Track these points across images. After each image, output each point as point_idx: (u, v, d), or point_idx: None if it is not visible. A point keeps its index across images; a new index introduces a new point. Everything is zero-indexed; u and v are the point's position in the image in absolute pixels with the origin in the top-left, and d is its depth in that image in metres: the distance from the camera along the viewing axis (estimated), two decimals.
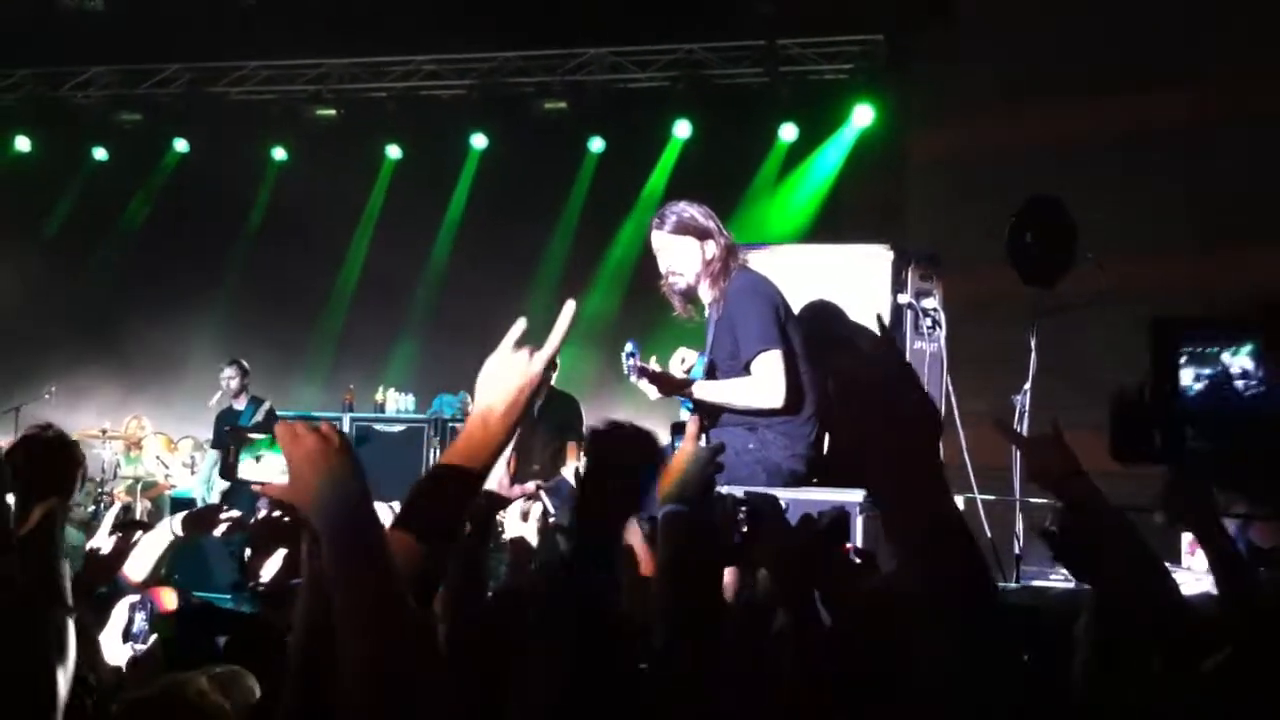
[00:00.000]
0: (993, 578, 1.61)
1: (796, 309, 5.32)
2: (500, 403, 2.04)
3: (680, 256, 5.08)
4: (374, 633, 1.75)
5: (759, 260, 6.12)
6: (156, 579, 4.07)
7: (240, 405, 10.91)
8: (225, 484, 10.31)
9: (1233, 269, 8.84)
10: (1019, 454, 2.21)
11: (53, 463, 2.39)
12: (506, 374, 2.07)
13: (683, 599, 2.40)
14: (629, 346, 4.82)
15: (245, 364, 11.00)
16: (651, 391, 4.91)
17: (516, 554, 3.57)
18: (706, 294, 5.11)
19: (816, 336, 5.21)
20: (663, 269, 5.14)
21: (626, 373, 4.81)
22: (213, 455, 11.03)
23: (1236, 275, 8.73)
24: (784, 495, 4.34)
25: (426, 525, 1.99)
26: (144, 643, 3.56)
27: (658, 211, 5.25)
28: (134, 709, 2.40)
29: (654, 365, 4.85)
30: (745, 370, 4.87)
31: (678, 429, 2.89)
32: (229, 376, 10.92)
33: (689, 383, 4.93)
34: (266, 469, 2.00)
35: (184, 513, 4.08)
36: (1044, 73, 9.96)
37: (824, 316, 5.51)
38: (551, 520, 3.38)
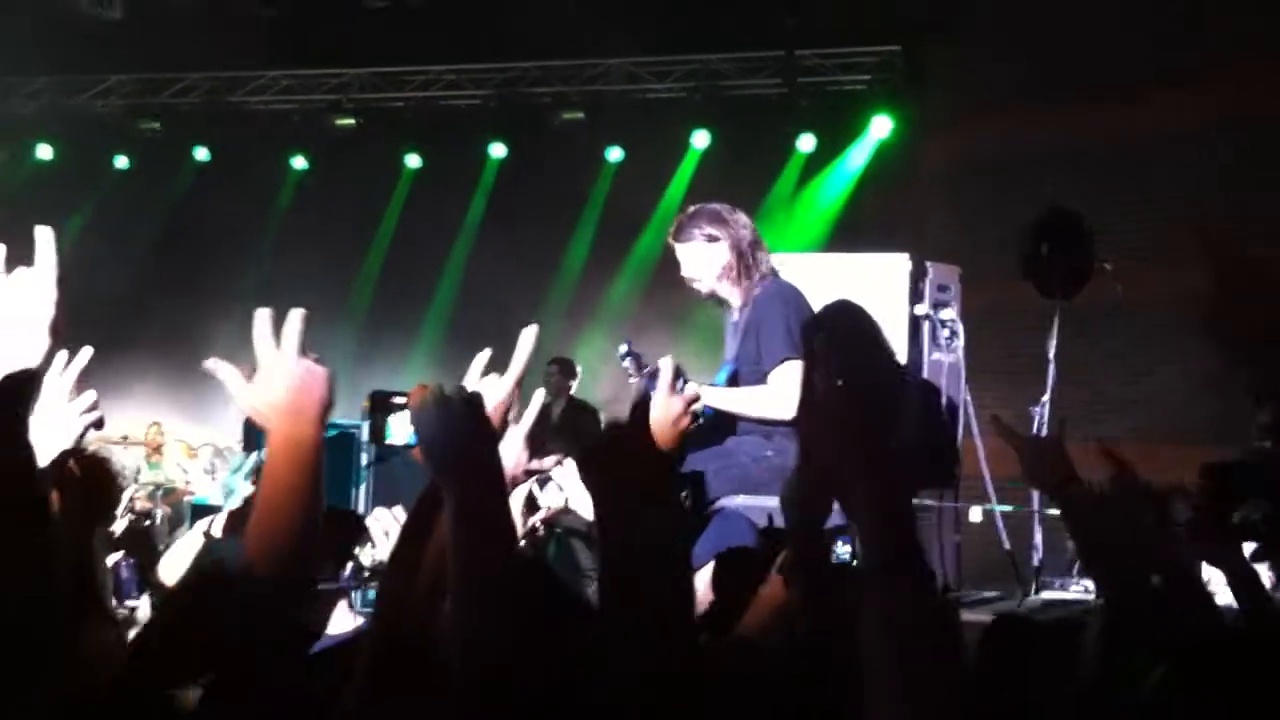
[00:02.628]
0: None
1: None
2: None
3: (693, 263, 5.01)
4: (492, 595, 1.78)
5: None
6: None
7: None
8: (250, 487, 10.33)
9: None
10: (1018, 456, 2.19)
11: (92, 484, 2.28)
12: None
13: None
14: (624, 347, 4.77)
15: None
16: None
17: None
18: (734, 297, 5.03)
19: (837, 339, 5.17)
20: (684, 276, 5.13)
21: (631, 377, 4.73)
22: (238, 459, 11.02)
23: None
24: None
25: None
26: (136, 598, 3.59)
27: (676, 218, 5.20)
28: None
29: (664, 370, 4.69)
30: (765, 378, 4.82)
31: (653, 374, 2.76)
32: None
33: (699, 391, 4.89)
34: (407, 431, 2.08)
35: (224, 513, 4.13)
36: (1061, 80, 9.94)
37: (846, 320, 5.46)
38: (548, 517, 3.28)
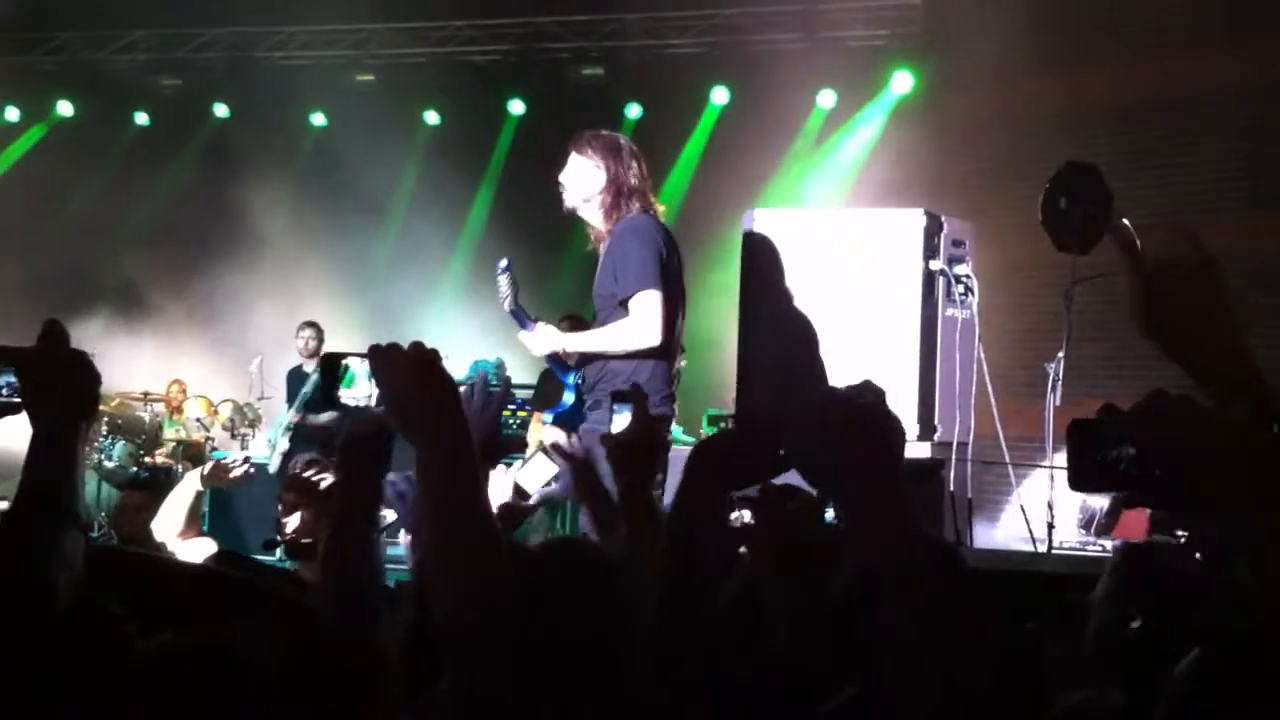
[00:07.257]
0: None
1: (820, 272, 5.51)
2: None
3: (572, 175, 5.16)
4: (467, 560, 1.79)
5: (791, 225, 6.12)
6: (193, 530, 4.18)
7: (310, 368, 10.99)
8: (286, 444, 10.47)
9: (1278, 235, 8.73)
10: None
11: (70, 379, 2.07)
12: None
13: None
14: (504, 261, 5.01)
15: (320, 326, 11.13)
16: (533, 345, 5.06)
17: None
18: (594, 221, 5.16)
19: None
20: (559, 179, 5.21)
21: (501, 297, 4.95)
22: (280, 413, 11.11)
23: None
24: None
25: None
26: None
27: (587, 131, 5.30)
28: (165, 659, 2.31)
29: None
30: (623, 309, 4.91)
31: (619, 396, 2.79)
32: (307, 337, 11.05)
33: (563, 339, 5.07)
34: (360, 390, 2.04)
35: (207, 465, 4.21)
36: (1086, 38, 9.84)
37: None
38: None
